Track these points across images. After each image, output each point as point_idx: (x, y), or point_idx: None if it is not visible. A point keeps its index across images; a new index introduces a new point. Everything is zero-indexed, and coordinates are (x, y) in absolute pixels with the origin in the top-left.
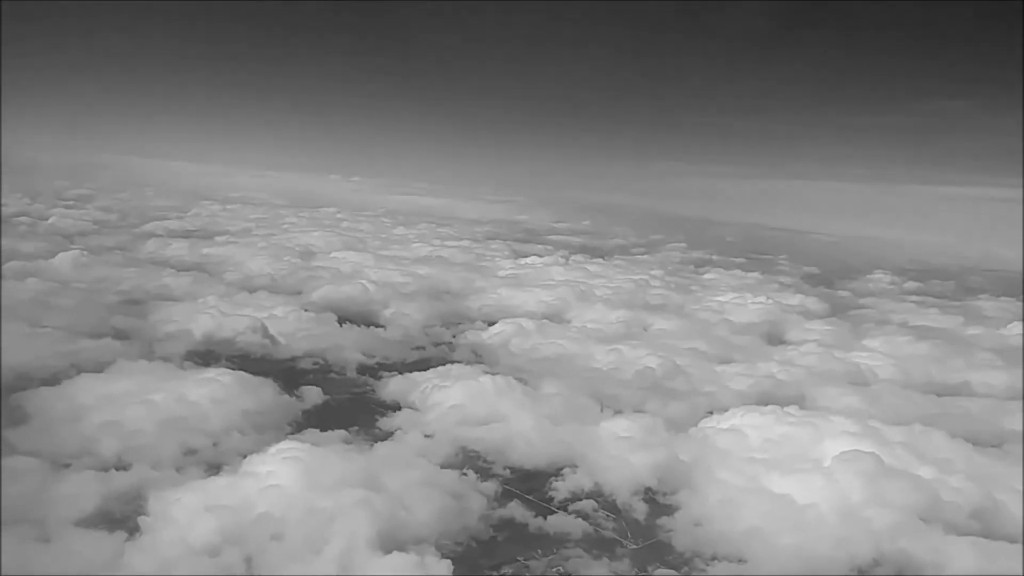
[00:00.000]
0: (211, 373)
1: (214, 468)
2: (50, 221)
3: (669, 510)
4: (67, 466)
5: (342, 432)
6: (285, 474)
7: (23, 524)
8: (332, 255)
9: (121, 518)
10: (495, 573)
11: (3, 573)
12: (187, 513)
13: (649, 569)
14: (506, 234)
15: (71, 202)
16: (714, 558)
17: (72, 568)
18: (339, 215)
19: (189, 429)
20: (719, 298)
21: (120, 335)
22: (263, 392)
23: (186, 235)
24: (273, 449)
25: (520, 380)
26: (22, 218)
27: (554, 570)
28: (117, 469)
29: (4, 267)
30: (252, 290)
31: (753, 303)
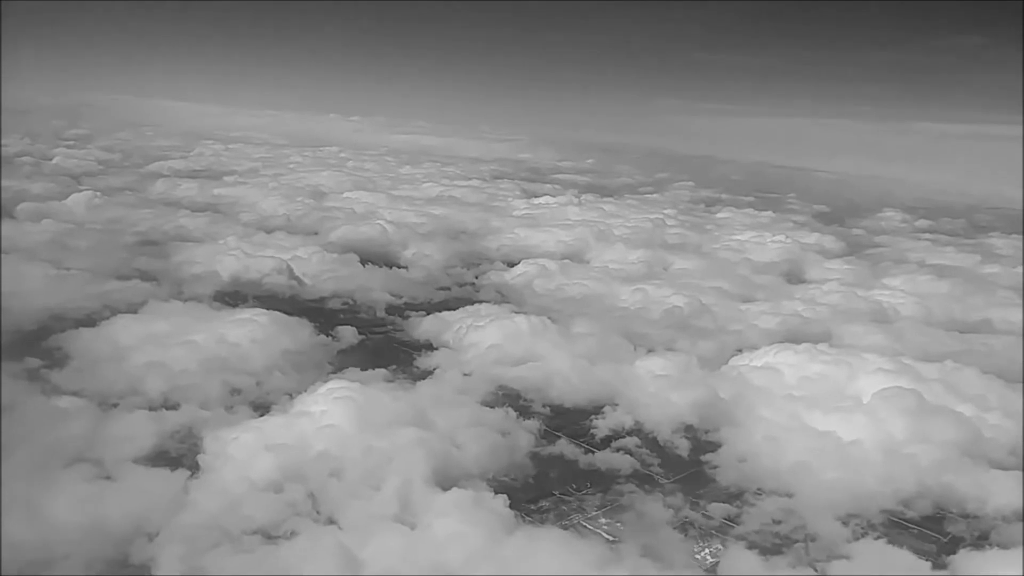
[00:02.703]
0: (247, 314)
1: (261, 408)
2: (54, 161)
3: (712, 447)
4: (115, 406)
5: (382, 371)
6: (338, 413)
7: (82, 463)
8: (344, 195)
9: (177, 456)
10: (550, 508)
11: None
12: (246, 452)
13: (702, 503)
14: (512, 173)
15: (71, 142)
16: (760, 492)
17: (141, 505)
18: (343, 155)
19: (232, 369)
20: (737, 237)
21: (146, 276)
22: (300, 332)
23: (193, 175)
24: (323, 389)
25: (551, 320)
26: (25, 158)
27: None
28: (166, 409)
29: (17, 208)
30: (269, 231)
31: (772, 242)
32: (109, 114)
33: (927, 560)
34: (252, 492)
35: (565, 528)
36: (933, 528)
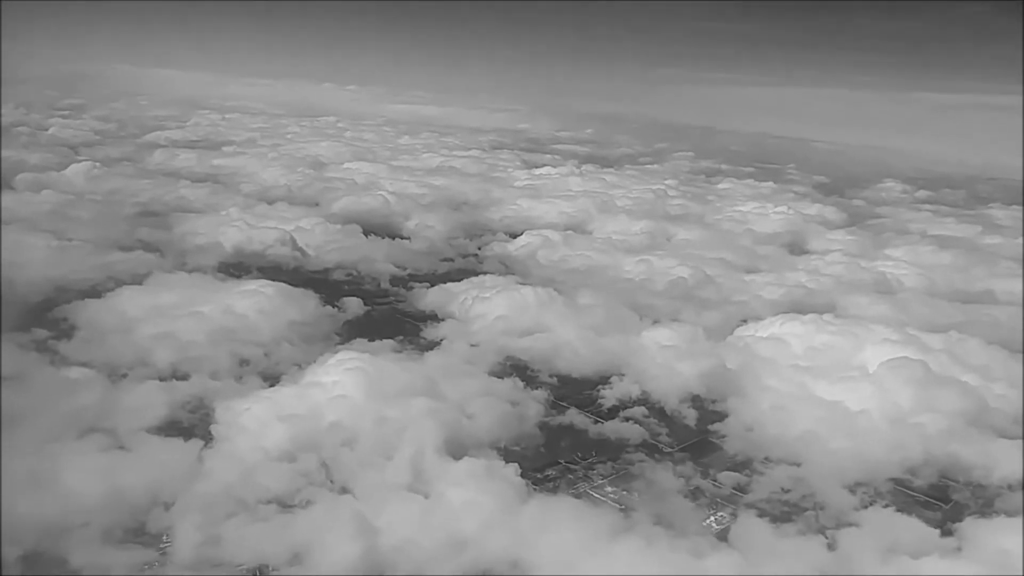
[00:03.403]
0: (252, 285)
1: (270, 378)
2: (50, 132)
3: (719, 416)
4: (124, 376)
5: (389, 342)
6: (350, 384)
7: (96, 433)
8: (344, 166)
9: (189, 427)
10: (561, 476)
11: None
12: (258, 422)
13: (711, 472)
14: (512, 144)
15: (66, 112)
16: (768, 460)
17: (156, 475)
18: (340, 125)
19: (240, 340)
20: (739, 208)
21: (149, 247)
22: (306, 303)
23: (191, 145)
24: (333, 360)
25: (557, 291)
26: (21, 128)
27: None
28: (176, 379)
29: (16, 179)
30: (271, 202)
31: (775, 213)
32: (102, 83)
33: (935, 528)
34: (266, 462)
35: (577, 496)
36: (939, 496)
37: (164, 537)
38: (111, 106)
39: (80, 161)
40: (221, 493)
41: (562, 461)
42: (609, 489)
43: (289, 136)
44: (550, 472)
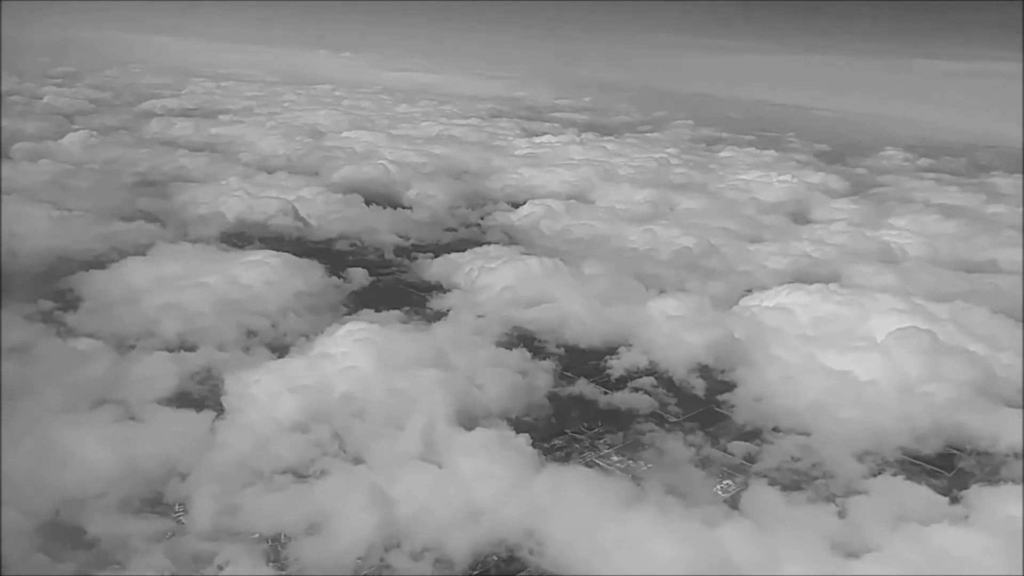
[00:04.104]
0: (257, 256)
1: (278, 349)
2: (45, 100)
3: (727, 387)
4: (132, 348)
5: (396, 313)
6: (359, 355)
7: (108, 404)
8: (343, 134)
9: (199, 398)
10: (568, 446)
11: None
12: (269, 393)
13: (721, 442)
14: (510, 111)
15: (60, 80)
16: (777, 430)
17: (170, 446)
18: (337, 92)
19: (246, 311)
20: (742, 176)
21: (150, 218)
22: (311, 274)
23: (187, 114)
24: (342, 331)
25: (562, 262)
26: (15, 97)
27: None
28: (184, 350)
29: (13, 148)
30: (270, 171)
31: (778, 182)
32: (95, 50)
33: (944, 495)
34: (279, 433)
35: (589, 466)
36: (947, 464)
37: (180, 507)
38: (105, 74)
39: (76, 130)
40: (236, 463)
41: (573, 431)
42: (620, 459)
43: (286, 104)
44: (560, 442)
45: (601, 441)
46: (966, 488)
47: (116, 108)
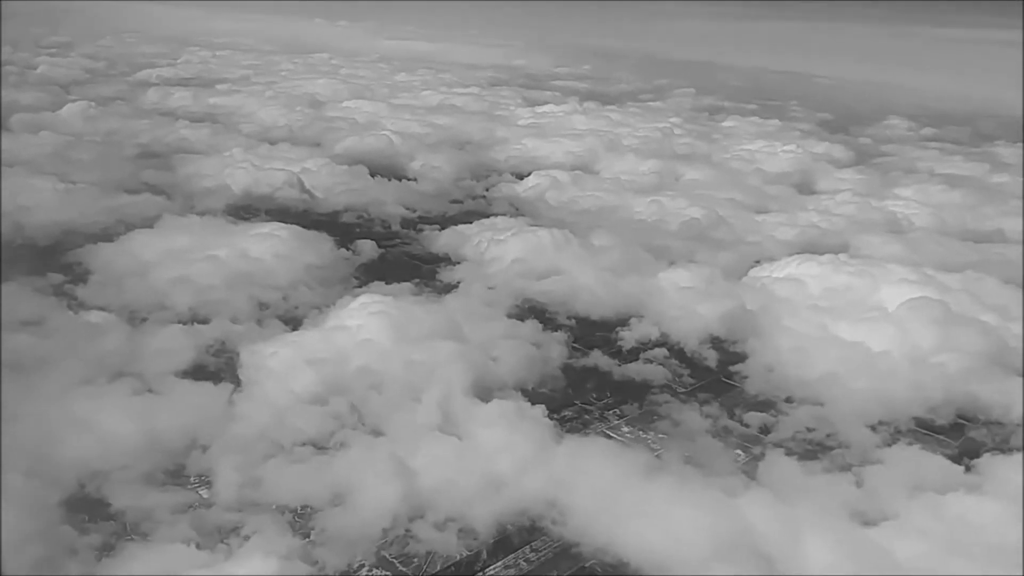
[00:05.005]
0: (266, 228)
1: (291, 322)
2: (39, 71)
3: (739, 357)
4: (144, 320)
5: (408, 285)
6: (375, 327)
7: (125, 377)
8: (343, 104)
9: (215, 371)
10: (588, 418)
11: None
12: (286, 366)
13: (737, 412)
14: (510, 80)
15: (53, 50)
16: (791, 400)
17: (191, 418)
18: (334, 61)
19: (258, 284)
20: (747, 146)
21: (156, 190)
22: (321, 246)
23: (184, 83)
24: (355, 303)
25: (571, 233)
26: (9, 67)
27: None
28: (197, 323)
29: (12, 120)
30: (273, 142)
31: (783, 151)
32: (87, 19)
33: (959, 464)
34: (297, 405)
35: (608, 438)
36: (959, 434)
37: (203, 479)
38: (99, 43)
39: (73, 101)
40: (256, 436)
41: (588, 402)
42: (638, 430)
43: (283, 73)
44: (570, 413)
45: (615, 412)
46: (978, 457)
47: (111, 78)
